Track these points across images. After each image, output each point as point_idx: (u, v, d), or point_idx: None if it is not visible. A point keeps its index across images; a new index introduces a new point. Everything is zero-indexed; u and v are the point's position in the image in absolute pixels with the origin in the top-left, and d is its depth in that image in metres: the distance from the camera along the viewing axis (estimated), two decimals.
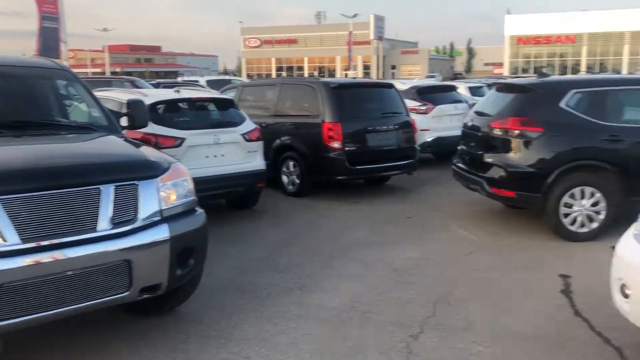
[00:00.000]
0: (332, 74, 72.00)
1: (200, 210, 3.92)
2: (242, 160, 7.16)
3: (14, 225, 2.95)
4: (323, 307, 4.47)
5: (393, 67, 74.73)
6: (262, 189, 7.63)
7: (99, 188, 3.27)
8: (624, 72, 47.17)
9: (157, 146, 6.49)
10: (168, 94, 7.55)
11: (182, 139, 6.65)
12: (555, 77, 9.46)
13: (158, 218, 3.50)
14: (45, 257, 3.01)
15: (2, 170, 3.15)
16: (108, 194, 3.29)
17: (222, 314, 4.32)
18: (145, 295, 3.51)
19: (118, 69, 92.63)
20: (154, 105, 6.82)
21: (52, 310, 3.11)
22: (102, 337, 3.93)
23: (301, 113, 8.71)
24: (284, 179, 8.73)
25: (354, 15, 59.05)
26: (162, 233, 3.46)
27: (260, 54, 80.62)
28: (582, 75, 23.54)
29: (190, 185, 3.87)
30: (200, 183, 6.75)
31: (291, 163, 8.62)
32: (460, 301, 4.56)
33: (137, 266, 3.34)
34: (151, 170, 3.59)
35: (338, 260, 5.63)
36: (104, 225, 3.24)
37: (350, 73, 56.00)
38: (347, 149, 8.17)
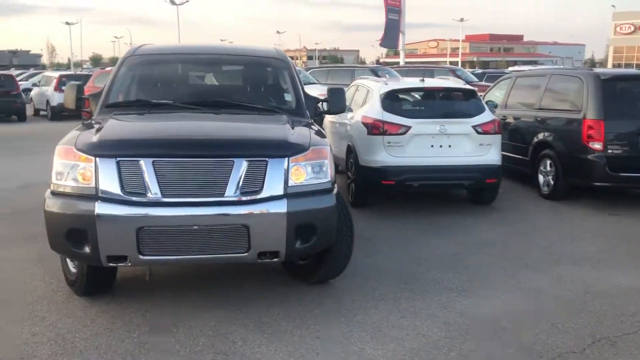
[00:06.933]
0: None
1: (332, 193, 4.09)
2: (472, 153, 6.90)
3: (158, 183, 3.71)
4: (465, 313, 4.16)
5: None
6: (496, 185, 7.21)
7: (232, 161, 3.81)
8: None
9: (384, 132, 6.82)
10: (406, 83, 7.73)
11: (408, 127, 6.78)
12: None
13: (280, 193, 3.85)
14: (177, 211, 3.71)
15: (159, 138, 4.01)
16: (239, 166, 3.79)
17: (363, 297, 4.44)
18: (265, 260, 3.91)
19: (474, 58, 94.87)
20: (388, 94, 7.13)
21: (181, 255, 3.81)
22: (249, 290, 4.55)
23: (564, 107, 7.83)
24: (540, 178, 7.99)
25: None
26: (279, 207, 3.81)
27: (633, 42, 69.82)
28: None
29: (327, 168, 4.07)
30: (421, 172, 6.89)
31: (548, 162, 7.84)
32: None
33: (255, 232, 3.77)
34: (283, 150, 3.94)
35: (528, 272, 5.04)
36: (231, 192, 3.76)
37: None
38: (610, 151, 7.03)
